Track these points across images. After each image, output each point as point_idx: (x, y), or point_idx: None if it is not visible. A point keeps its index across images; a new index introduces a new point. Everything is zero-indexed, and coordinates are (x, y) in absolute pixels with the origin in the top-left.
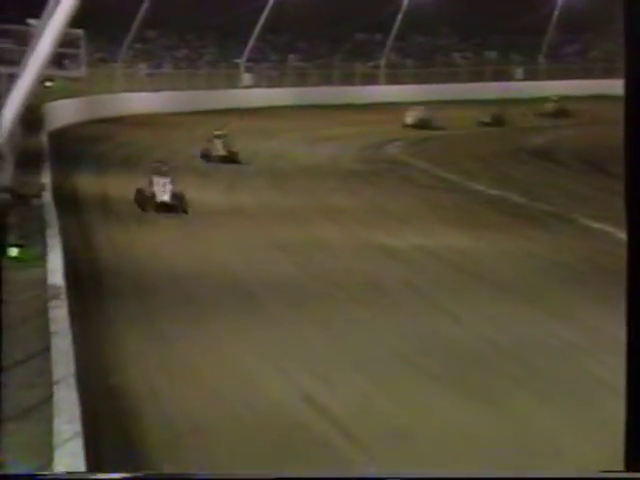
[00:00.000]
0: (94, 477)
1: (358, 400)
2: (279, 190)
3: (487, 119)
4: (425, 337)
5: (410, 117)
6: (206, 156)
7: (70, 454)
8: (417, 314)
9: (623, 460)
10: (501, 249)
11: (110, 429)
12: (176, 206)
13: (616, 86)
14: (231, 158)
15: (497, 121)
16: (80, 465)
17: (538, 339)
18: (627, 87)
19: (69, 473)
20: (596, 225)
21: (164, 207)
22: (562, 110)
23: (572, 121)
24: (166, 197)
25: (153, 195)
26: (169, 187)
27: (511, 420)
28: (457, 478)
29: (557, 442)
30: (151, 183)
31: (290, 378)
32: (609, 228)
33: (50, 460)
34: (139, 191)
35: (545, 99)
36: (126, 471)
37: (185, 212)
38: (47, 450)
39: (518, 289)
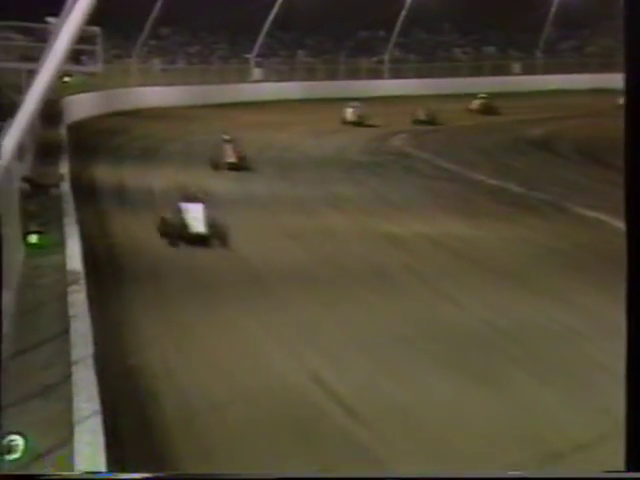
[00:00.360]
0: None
1: (362, 379)
2: (289, 180)
3: (423, 117)
4: (427, 320)
5: (349, 114)
6: (214, 163)
7: (90, 431)
8: (419, 298)
9: (624, 460)
10: (500, 236)
11: (127, 407)
12: (214, 237)
13: (610, 80)
14: (240, 165)
15: (430, 119)
16: (99, 441)
17: (537, 323)
18: (627, 81)
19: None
20: (591, 214)
21: (200, 239)
22: (489, 107)
23: (497, 119)
24: (202, 228)
25: (184, 225)
26: (204, 215)
27: (510, 399)
28: (457, 478)
29: (555, 420)
30: (180, 211)
31: (299, 359)
32: (603, 217)
33: (70, 436)
34: (165, 221)
35: (542, 92)
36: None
37: (225, 245)
38: (67, 426)
39: (517, 275)
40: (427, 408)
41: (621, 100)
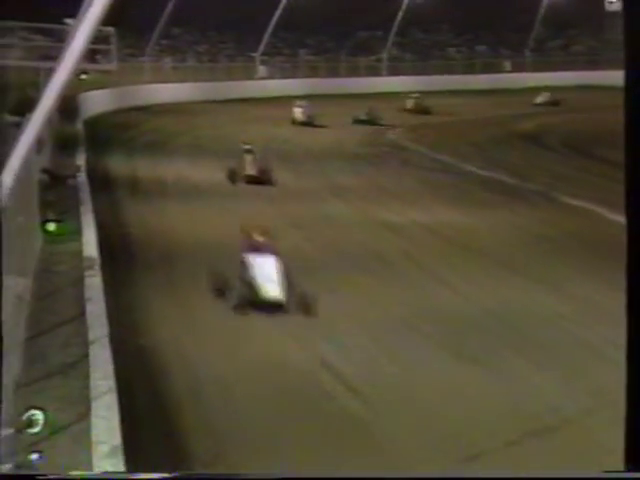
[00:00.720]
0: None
1: (363, 360)
2: (292, 172)
3: (363, 116)
4: (423, 303)
5: (298, 114)
6: (231, 174)
7: (105, 406)
8: (416, 283)
9: (623, 460)
10: (492, 225)
11: (140, 384)
12: (294, 304)
13: (595, 77)
14: (263, 179)
15: (370, 119)
16: (114, 416)
17: (526, 305)
18: (627, 79)
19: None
20: (578, 203)
21: (274, 305)
22: (421, 107)
23: (430, 119)
24: (277, 291)
25: (251, 286)
26: (278, 273)
27: (504, 380)
28: (457, 478)
29: (548, 400)
30: (245, 265)
31: (300, 338)
32: (590, 206)
33: (87, 410)
34: (220, 279)
35: (533, 89)
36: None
37: (310, 315)
38: (85, 402)
39: (508, 260)
40: (425, 387)
41: (538, 99)
